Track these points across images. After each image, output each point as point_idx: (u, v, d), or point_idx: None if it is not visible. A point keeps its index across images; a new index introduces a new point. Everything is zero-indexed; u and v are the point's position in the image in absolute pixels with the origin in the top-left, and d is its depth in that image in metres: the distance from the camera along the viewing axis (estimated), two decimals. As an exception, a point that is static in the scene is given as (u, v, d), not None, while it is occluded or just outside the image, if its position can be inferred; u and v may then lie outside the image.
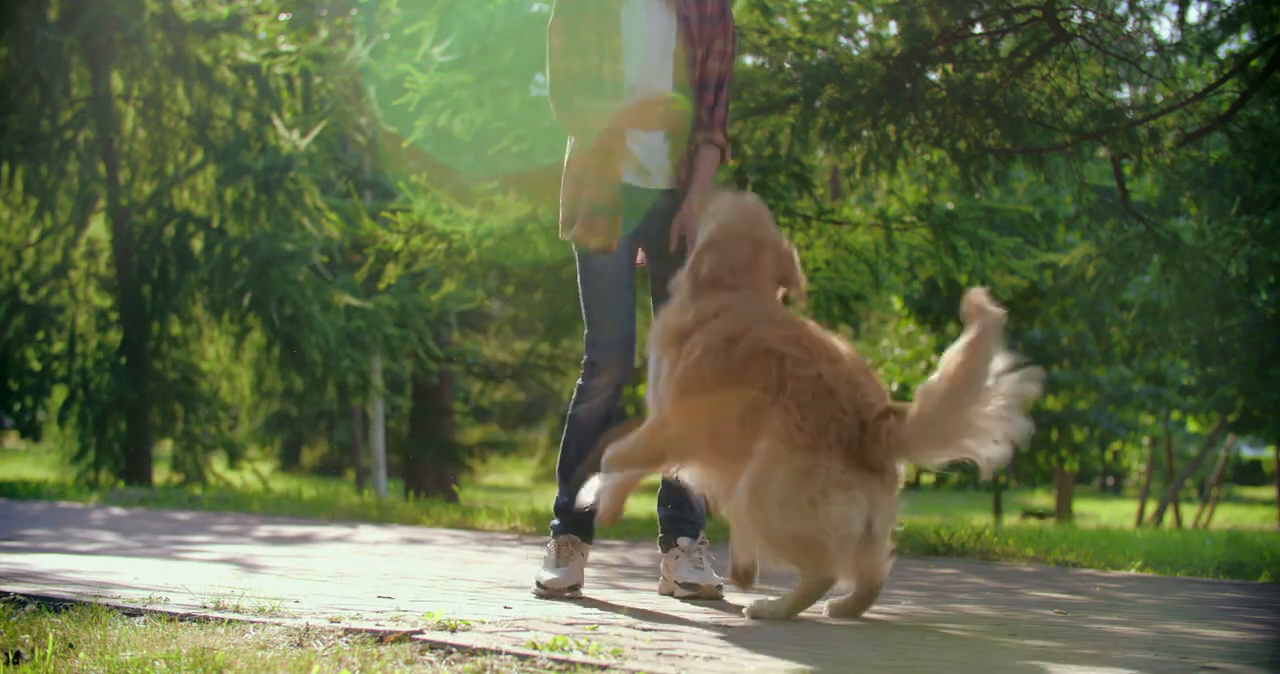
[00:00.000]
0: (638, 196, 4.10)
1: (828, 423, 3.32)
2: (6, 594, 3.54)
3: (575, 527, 4.05)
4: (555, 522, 4.12)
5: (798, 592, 3.44)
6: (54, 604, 3.42)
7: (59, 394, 13.42)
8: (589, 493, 3.68)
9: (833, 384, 3.37)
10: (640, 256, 4.20)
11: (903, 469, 3.41)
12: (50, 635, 2.91)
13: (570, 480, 4.05)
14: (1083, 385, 21.29)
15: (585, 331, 4.10)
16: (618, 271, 4.06)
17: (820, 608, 3.55)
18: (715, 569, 4.03)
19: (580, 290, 4.11)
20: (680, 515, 4.06)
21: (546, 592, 3.95)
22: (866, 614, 3.68)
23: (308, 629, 3.01)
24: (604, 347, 4.04)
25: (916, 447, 3.29)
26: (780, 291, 3.71)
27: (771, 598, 3.52)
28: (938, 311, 20.58)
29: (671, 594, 4.00)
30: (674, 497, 4.08)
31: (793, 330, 3.49)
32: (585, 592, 4.09)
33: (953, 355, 3.23)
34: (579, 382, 4.11)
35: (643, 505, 9.06)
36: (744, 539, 3.46)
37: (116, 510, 8.19)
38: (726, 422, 3.44)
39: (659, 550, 4.11)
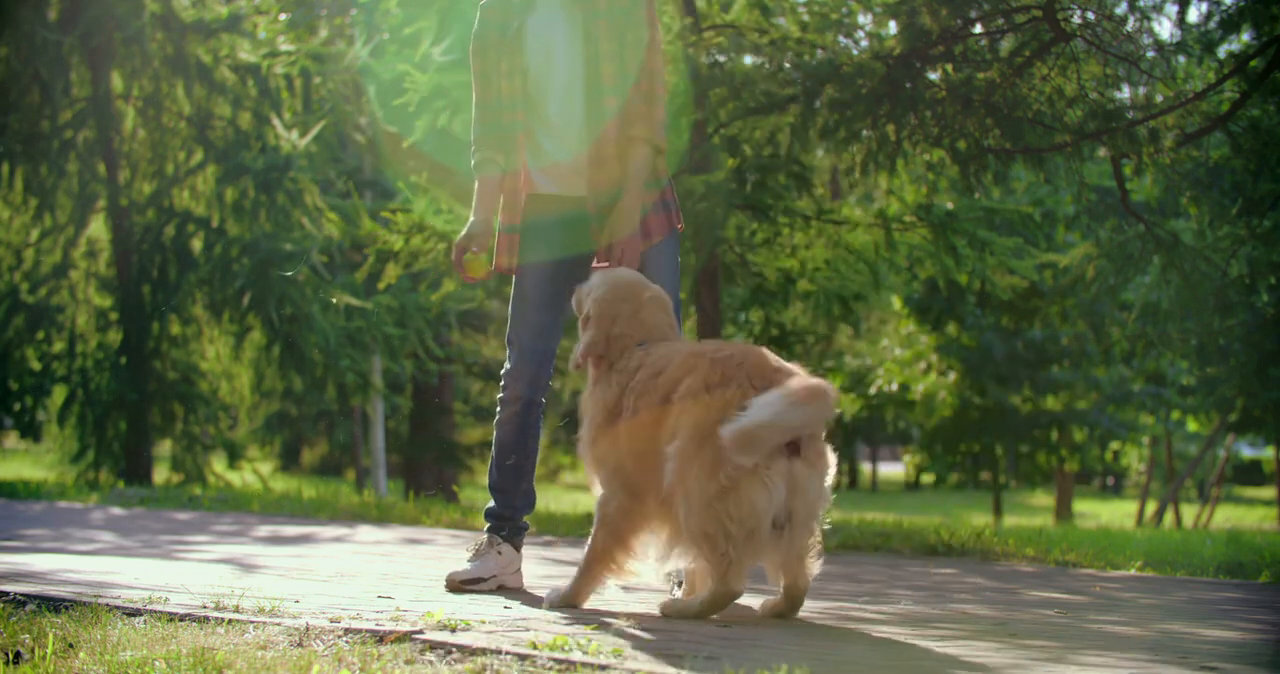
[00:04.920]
0: (562, 204, 4.12)
1: (734, 403, 3.21)
2: (6, 594, 3.53)
3: (506, 532, 4.20)
4: (488, 526, 4.24)
5: (706, 597, 3.36)
6: (54, 604, 3.41)
7: (59, 394, 13.41)
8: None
9: (741, 363, 3.30)
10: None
11: (829, 453, 3.31)
12: (50, 635, 2.91)
13: (497, 487, 4.21)
14: (1083, 385, 21.31)
15: (506, 346, 4.21)
16: (540, 289, 4.14)
17: (754, 605, 3.55)
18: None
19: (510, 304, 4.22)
20: None
21: (487, 584, 4.06)
22: (865, 614, 3.68)
23: (308, 629, 3.01)
24: (516, 362, 4.14)
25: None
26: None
27: (685, 598, 3.49)
28: (938, 311, 20.61)
29: (669, 594, 4.00)
30: None
31: (709, 344, 3.48)
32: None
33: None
34: (499, 393, 4.23)
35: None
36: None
37: (116, 510, 8.18)
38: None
39: None
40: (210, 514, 8.03)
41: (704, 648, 2.92)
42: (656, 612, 3.52)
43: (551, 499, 15.31)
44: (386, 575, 4.48)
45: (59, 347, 13.41)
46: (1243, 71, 6.18)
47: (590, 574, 3.58)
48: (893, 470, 48.11)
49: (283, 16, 13.06)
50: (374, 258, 8.43)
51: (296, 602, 3.54)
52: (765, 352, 3.41)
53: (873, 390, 22.14)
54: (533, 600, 3.82)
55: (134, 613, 3.27)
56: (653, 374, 3.45)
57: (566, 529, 7.09)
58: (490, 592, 4.02)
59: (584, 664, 2.67)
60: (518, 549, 4.21)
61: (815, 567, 3.40)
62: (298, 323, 12.66)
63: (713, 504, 3.19)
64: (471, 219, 4.13)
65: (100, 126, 12.63)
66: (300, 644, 2.93)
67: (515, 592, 4.04)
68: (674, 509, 3.31)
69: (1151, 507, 22.94)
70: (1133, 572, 5.45)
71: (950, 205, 8.29)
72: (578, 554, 5.62)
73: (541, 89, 4.11)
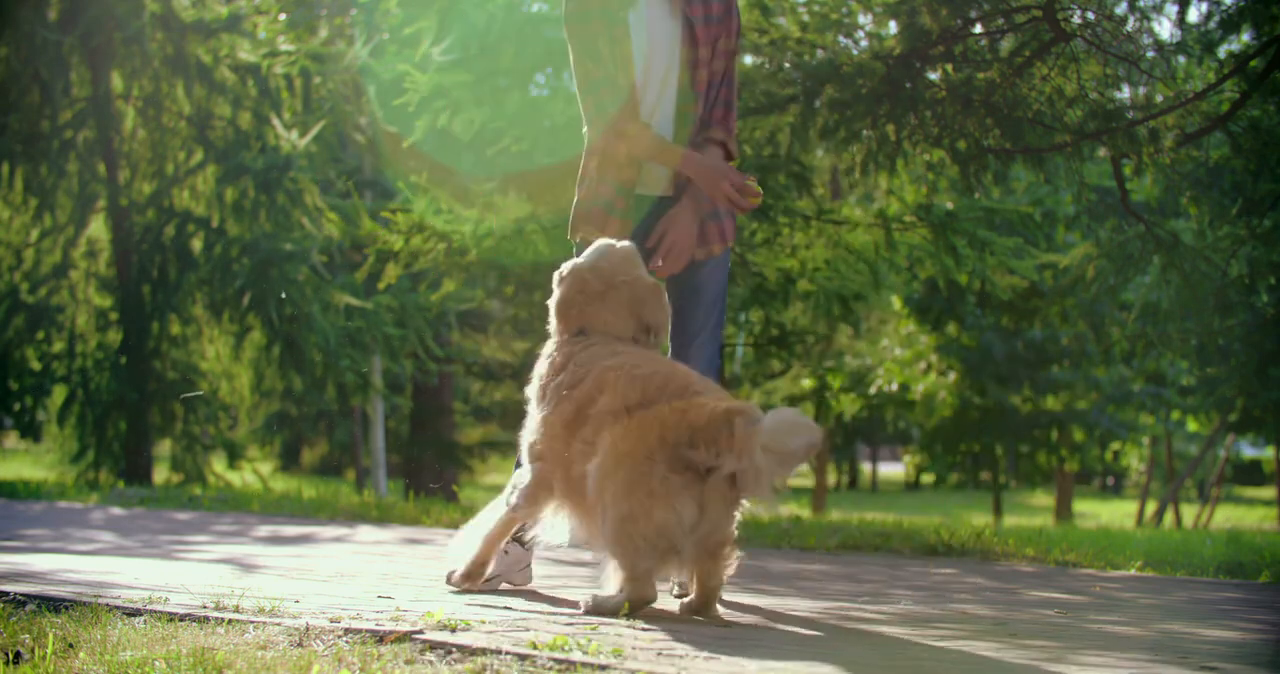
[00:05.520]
0: (642, 205, 4.09)
1: (652, 426, 3.29)
2: (6, 594, 3.53)
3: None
4: None
5: (620, 598, 3.42)
6: (54, 604, 3.41)
7: (59, 394, 13.41)
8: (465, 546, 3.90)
9: (663, 386, 3.37)
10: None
11: (747, 466, 3.22)
12: (50, 635, 2.91)
13: None
14: (1083, 385, 21.32)
15: None
16: None
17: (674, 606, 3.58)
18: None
19: None
20: None
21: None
22: (865, 614, 3.68)
23: (308, 629, 3.01)
24: None
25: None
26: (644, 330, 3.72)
27: (605, 595, 3.51)
28: (938, 311, 20.62)
29: (669, 593, 4.01)
30: None
31: (630, 357, 3.52)
32: (587, 593, 4.10)
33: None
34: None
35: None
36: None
37: (116, 510, 8.19)
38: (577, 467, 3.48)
39: None
40: (210, 514, 8.03)
41: (704, 648, 2.92)
42: (661, 610, 3.52)
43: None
44: (386, 575, 4.48)
45: (59, 347, 13.42)
46: (1243, 71, 6.18)
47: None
48: (893, 470, 48.12)
49: (283, 16, 13.07)
50: (374, 258, 8.43)
51: (296, 602, 3.54)
52: (686, 370, 3.51)
53: (873, 390, 22.15)
54: (535, 599, 3.83)
55: (134, 613, 3.27)
56: (571, 383, 3.54)
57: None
58: (493, 591, 4.02)
59: (584, 664, 2.67)
60: (524, 546, 4.17)
61: (730, 568, 3.42)
62: (297, 323, 12.66)
63: (624, 523, 3.28)
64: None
65: (100, 126, 12.64)
66: (300, 644, 2.93)
67: (520, 590, 4.04)
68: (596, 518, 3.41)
69: (1151, 507, 22.94)
70: (1133, 572, 5.45)
71: (950, 205, 8.29)
72: (579, 554, 5.63)
73: (638, 87, 4.05)
